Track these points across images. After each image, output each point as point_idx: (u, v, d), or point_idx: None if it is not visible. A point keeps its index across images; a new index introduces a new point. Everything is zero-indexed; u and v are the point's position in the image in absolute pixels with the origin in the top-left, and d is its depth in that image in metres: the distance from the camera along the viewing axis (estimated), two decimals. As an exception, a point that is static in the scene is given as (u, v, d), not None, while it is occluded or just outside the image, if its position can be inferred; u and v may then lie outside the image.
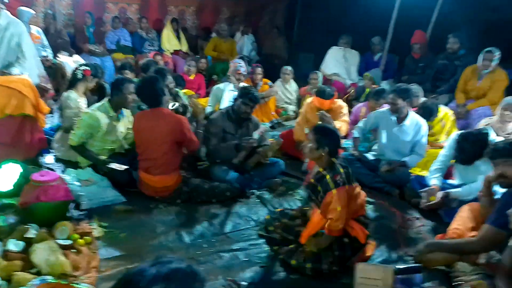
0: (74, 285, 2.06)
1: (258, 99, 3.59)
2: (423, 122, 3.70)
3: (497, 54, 4.57)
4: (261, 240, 2.78)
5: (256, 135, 3.44)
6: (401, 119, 3.69)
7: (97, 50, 6.49)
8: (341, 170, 2.44)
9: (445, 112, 4.18)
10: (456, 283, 2.32)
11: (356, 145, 4.02)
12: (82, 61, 5.35)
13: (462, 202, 3.06)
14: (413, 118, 3.70)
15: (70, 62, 5.62)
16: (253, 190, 3.49)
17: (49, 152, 3.90)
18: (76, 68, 3.84)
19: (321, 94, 4.02)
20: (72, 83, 3.80)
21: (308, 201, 2.72)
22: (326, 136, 2.50)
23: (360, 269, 1.30)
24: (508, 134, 3.68)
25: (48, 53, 5.30)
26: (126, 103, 3.45)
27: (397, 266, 1.20)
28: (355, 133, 4.03)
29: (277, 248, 2.61)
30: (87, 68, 3.80)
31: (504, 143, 2.52)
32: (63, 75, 5.15)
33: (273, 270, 2.51)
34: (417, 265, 1.28)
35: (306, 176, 2.81)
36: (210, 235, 2.85)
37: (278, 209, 3.01)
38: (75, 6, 6.98)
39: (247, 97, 3.47)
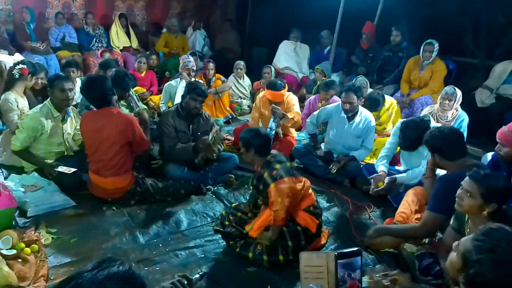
0: (21, 296, 1.97)
1: (206, 92, 3.53)
2: (371, 117, 3.83)
3: (436, 46, 4.84)
4: (218, 236, 2.79)
5: (210, 136, 3.40)
6: (351, 116, 3.79)
7: (40, 47, 6.15)
8: (277, 166, 2.53)
9: (390, 102, 4.39)
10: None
11: (316, 141, 4.04)
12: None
13: (408, 187, 3.25)
14: (362, 114, 3.80)
15: (10, 61, 5.30)
16: (209, 186, 3.49)
17: (-10, 158, 3.67)
18: (12, 68, 3.61)
19: (272, 86, 4.06)
20: (10, 83, 3.59)
21: (256, 198, 2.76)
22: (249, 138, 2.64)
23: (303, 257, 1.34)
24: (447, 121, 3.93)
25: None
26: (59, 100, 3.26)
27: (338, 251, 1.25)
28: (310, 130, 4.03)
29: (233, 243, 2.64)
30: (23, 66, 3.59)
31: (426, 134, 2.71)
32: (2, 74, 4.84)
33: (230, 264, 2.53)
34: (356, 249, 1.35)
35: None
36: (166, 234, 2.82)
37: (234, 204, 3.04)
38: (14, 1, 6.55)
39: (194, 92, 3.43)
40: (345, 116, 3.79)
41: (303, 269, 1.32)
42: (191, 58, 5.21)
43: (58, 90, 3.22)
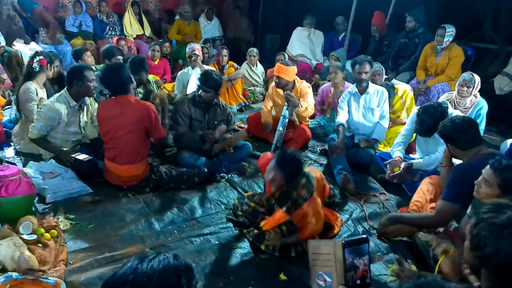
0: (41, 279, 2.03)
1: (218, 82, 3.50)
2: (382, 88, 3.90)
3: (449, 30, 4.72)
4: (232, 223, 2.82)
5: (216, 132, 3.43)
6: (363, 89, 3.85)
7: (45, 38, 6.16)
8: (303, 181, 2.37)
9: (404, 89, 4.30)
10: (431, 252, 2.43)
11: (342, 132, 3.90)
12: (39, 49, 5.11)
13: (423, 176, 3.20)
14: (373, 87, 3.88)
15: (27, 50, 5.37)
16: (222, 174, 3.51)
17: (9, 146, 3.76)
18: (31, 62, 3.61)
19: (283, 63, 4.15)
20: (31, 75, 3.62)
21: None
22: (294, 174, 2.38)
23: (312, 245, 1.36)
24: (465, 108, 3.85)
25: (0, 40, 4.97)
26: (88, 92, 3.33)
27: (345, 240, 1.26)
28: (337, 122, 3.95)
29: (246, 231, 2.65)
30: (41, 57, 3.62)
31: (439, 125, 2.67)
32: (19, 63, 4.90)
33: (244, 251, 2.56)
34: (364, 236, 1.36)
35: (266, 187, 2.68)
36: (181, 221, 2.85)
37: (247, 194, 3.04)
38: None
39: (205, 84, 3.44)
40: (357, 91, 3.88)
41: (312, 257, 1.33)
42: (193, 45, 5.10)
43: (87, 81, 3.26)
